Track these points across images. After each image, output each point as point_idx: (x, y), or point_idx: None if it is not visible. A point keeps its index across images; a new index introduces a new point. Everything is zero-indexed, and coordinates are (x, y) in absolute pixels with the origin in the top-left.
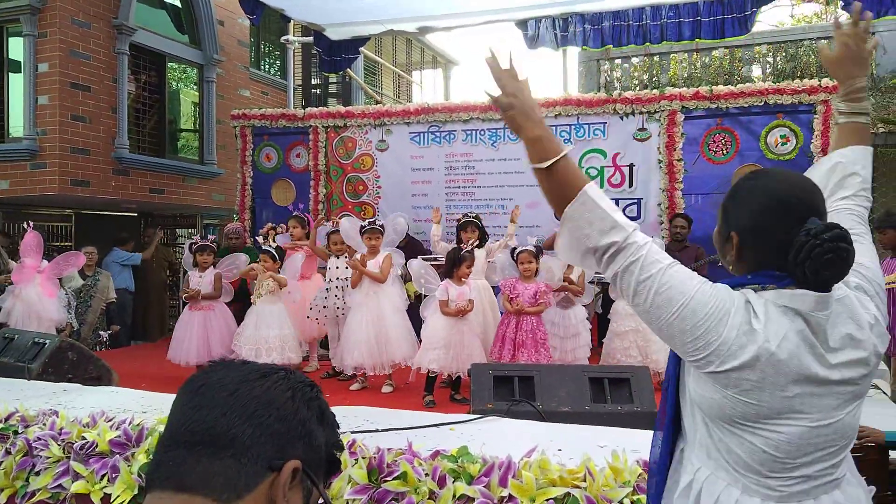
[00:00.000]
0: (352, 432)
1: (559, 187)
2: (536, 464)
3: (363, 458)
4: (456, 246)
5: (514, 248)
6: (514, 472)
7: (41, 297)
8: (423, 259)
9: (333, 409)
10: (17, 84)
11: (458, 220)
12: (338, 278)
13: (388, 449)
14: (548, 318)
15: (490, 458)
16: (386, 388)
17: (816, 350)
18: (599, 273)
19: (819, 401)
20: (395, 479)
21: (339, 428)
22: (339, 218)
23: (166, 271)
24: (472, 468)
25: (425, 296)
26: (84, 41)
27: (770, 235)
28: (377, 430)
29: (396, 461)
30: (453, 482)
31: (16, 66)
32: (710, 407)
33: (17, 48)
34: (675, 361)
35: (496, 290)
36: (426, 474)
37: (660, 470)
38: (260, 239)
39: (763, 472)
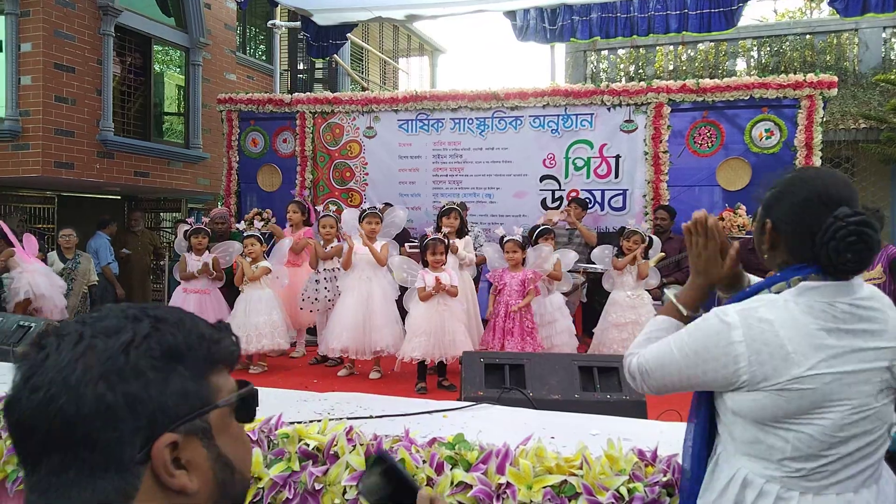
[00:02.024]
0: (347, 418)
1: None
2: (533, 451)
3: (361, 444)
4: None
5: (502, 237)
6: (512, 459)
7: (48, 271)
8: (409, 246)
9: (324, 395)
10: None
11: (441, 207)
12: (326, 269)
13: (386, 436)
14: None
15: (487, 446)
16: (374, 375)
17: (843, 339)
18: (583, 263)
19: (856, 388)
20: None
21: (211, 324)
22: (326, 204)
23: (150, 256)
24: (469, 455)
25: (407, 288)
26: (68, 21)
27: (805, 225)
28: (371, 417)
29: (394, 448)
30: (451, 469)
31: None
32: (749, 411)
33: None
34: None
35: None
36: (424, 461)
37: (694, 469)
38: (242, 225)
39: (802, 465)
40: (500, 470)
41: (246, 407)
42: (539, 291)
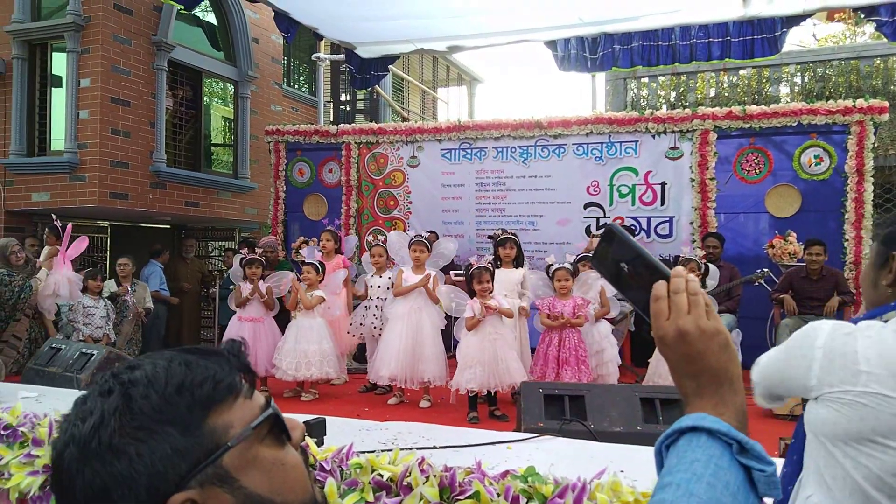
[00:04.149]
0: (416, 448)
1: None
2: (608, 486)
3: (434, 475)
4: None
5: (550, 266)
6: (588, 493)
7: (76, 279)
8: (454, 274)
9: (385, 424)
10: (59, 99)
11: (496, 236)
12: (378, 297)
13: (458, 467)
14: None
15: (560, 480)
16: (424, 403)
17: None
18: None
19: None
20: (467, 498)
21: (205, 355)
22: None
23: (199, 283)
24: (544, 489)
25: (456, 318)
26: (125, 57)
27: None
28: (435, 447)
29: (467, 480)
30: (527, 503)
31: (58, 82)
32: (818, 426)
33: (60, 64)
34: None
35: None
36: (498, 494)
37: (784, 491)
38: (304, 252)
39: (875, 496)
40: None
41: (274, 430)
42: (588, 318)
